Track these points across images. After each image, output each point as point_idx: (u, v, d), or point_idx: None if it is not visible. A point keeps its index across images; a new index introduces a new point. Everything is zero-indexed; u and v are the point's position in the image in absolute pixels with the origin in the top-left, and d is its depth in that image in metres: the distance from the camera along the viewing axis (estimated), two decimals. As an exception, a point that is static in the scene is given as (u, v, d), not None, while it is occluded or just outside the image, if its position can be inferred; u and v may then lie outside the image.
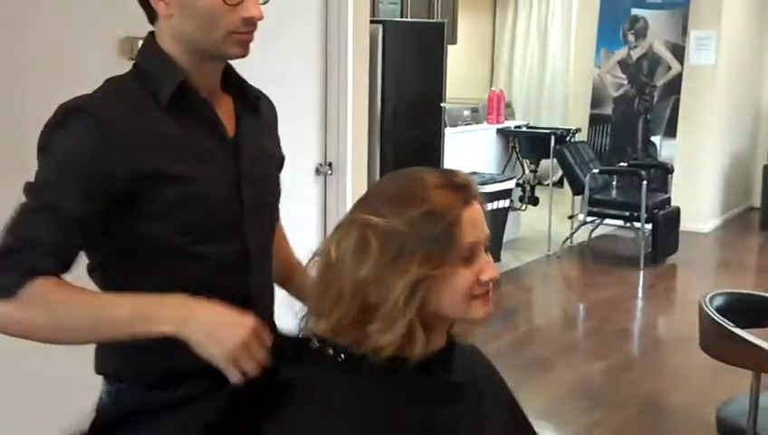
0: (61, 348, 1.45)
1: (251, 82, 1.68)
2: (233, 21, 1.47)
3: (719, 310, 2.84)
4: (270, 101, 1.75)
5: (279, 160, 1.73)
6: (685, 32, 7.91)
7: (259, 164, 1.60)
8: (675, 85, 7.97)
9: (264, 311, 1.63)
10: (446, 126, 6.39)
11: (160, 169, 1.44)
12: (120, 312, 1.37)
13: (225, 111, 1.58)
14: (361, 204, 1.37)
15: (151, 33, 1.56)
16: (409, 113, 5.81)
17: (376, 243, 1.29)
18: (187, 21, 1.48)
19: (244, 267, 1.57)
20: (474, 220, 1.32)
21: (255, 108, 1.64)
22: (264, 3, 1.52)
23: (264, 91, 1.73)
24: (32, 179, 1.45)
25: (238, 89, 1.62)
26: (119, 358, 1.53)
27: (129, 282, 1.47)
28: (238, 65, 1.66)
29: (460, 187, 1.33)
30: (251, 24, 1.50)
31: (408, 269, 1.27)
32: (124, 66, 3.34)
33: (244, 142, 1.58)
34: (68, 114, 1.44)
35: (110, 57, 3.24)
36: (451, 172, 1.36)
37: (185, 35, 1.50)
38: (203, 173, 1.50)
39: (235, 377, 1.32)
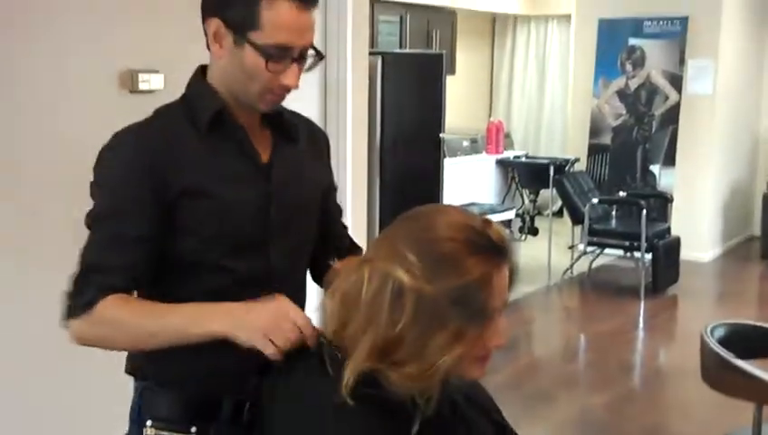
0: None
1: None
2: (271, 83, 1.59)
3: (720, 341, 2.82)
4: (319, 130, 1.88)
5: (320, 184, 1.81)
6: (682, 61, 7.94)
7: (291, 188, 1.70)
8: (673, 114, 7.99)
9: None
10: (445, 156, 6.41)
11: (193, 185, 1.57)
12: (175, 320, 1.53)
13: (263, 141, 1.69)
14: (389, 244, 1.32)
15: (201, 68, 1.69)
16: (409, 144, 5.82)
17: (409, 305, 1.26)
18: (232, 69, 1.60)
19: (268, 284, 1.63)
20: (501, 287, 1.29)
21: (291, 137, 1.74)
22: (308, 70, 1.64)
23: (298, 115, 1.81)
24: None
25: (276, 120, 1.72)
26: (142, 357, 1.67)
27: (160, 292, 1.60)
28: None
29: (495, 249, 1.29)
30: (286, 89, 1.62)
31: (451, 346, 1.26)
32: (125, 98, 3.36)
33: (277, 168, 1.68)
34: (114, 140, 1.60)
35: (111, 89, 3.25)
36: (487, 226, 1.31)
37: (229, 78, 1.62)
38: (231, 191, 1.61)
39: (268, 350, 1.43)
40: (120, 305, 1.54)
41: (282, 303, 1.49)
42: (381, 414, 1.29)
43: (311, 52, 1.62)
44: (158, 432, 1.64)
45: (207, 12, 1.60)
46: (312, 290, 1.84)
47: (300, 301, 1.77)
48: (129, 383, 1.74)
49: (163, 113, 1.66)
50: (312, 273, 1.86)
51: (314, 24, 1.60)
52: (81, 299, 1.53)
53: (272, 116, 1.70)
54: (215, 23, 1.58)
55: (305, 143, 1.78)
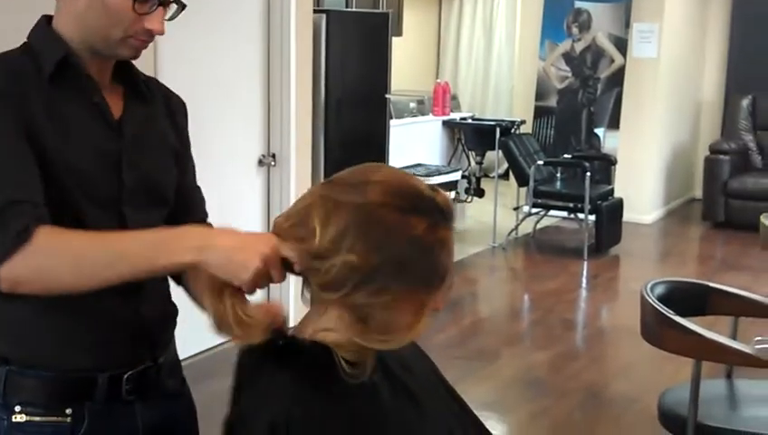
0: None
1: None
2: (135, 27, 1.51)
3: (660, 298, 2.85)
4: (175, 96, 1.75)
5: (173, 149, 1.69)
6: (628, 25, 7.99)
7: (143, 149, 1.60)
8: (618, 78, 8.05)
9: (158, 295, 1.63)
10: (391, 117, 6.37)
11: (42, 137, 1.44)
12: (139, 245, 1.38)
13: (114, 97, 1.59)
14: (332, 227, 1.27)
15: (46, 18, 1.57)
16: (354, 104, 5.77)
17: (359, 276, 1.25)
18: (92, 13, 1.50)
19: None
20: (450, 250, 1.30)
21: (143, 96, 1.64)
22: (171, 19, 1.57)
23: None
24: None
25: (127, 77, 1.62)
26: (3, 343, 1.54)
27: None
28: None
29: (445, 214, 1.29)
30: (150, 35, 1.54)
31: (413, 313, 1.29)
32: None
33: (129, 126, 1.58)
34: None
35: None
36: (435, 194, 1.30)
37: (85, 23, 1.51)
38: (81, 147, 1.50)
39: (245, 276, 1.28)
40: (64, 232, 1.38)
41: (265, 245, 1.31)
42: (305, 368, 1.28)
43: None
44: (29, 418, 1.50)
45: None
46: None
47: (165, 279, 1.66)
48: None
49: (5, 59, 1.52)
50: None
51: None
52: (7, 233, 1.35)
53: (122, 72, 1.60)
54: None
55: (161, 106, 1.68)
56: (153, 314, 1.60)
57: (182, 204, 1.70)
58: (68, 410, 1.52)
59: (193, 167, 1.76)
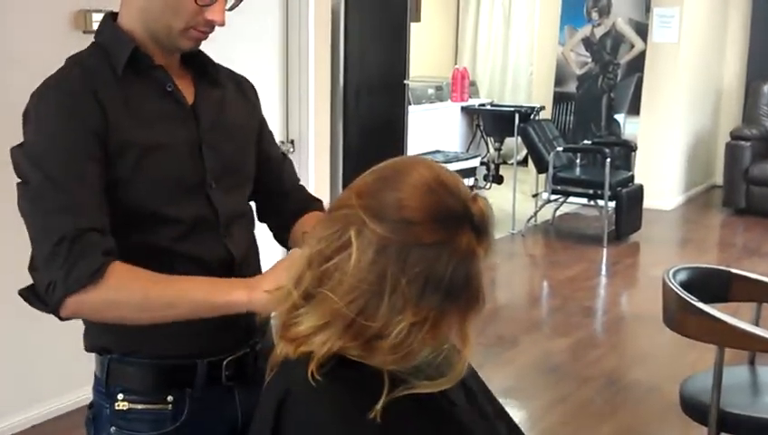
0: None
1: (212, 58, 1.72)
2: (196, 18, 1.53)
3: (682, 285, 2.83)
4: (245, 81, 1.79)
5: (248, 129, 1.73)
6: (648, 9, 7.92)
7: (221, 132, 1.63)
8: (638, 63, 7.98)
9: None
10: (410, 104, 6.34)
11: (123, 132, 1.48)
12: (198, 286, 1.44)
13: (185, 83, 1.63)
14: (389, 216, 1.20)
15: (110, 15, 1.61)
16: (373, 90, 5.75)
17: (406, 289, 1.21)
18: (155, 3, 1.53)
19: (217, 232, 1.60)
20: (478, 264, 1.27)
21: (214, 80, 1.67)
22: (231, 9, 1.59)
23: (222, 66, 1.75)
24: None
25: (195, 62, 1.66)
26: (103, 331, 1.57)
27: None
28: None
29: (482, 230, 1.24)
30: (211, 26, 1.56)
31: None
32: (78, 39, 3.27)
33: (203, 109, 1.61)
34: (37, 97, 1.49)
35: (63, 30, 3.16)
36: (475, 202, 1.23)
37: (148, 16, 1.54)
38: (163, 135, 1.54)
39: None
40: (133, 270, 1.42)
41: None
42: (352, 391, 1.22)
43: None
44: (131, 406, 1.55)
45: None
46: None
47: (251, 244, 1.71)
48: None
49: (79, 61, 1.56)
50: (274, 234, 1.80)
51: None
52: (83, 268, 1.37)
53: (190, 58, 1.64)
54: None
55: (231, 91, 1.71)
56: None
57: (275, 174, 1.78)
58: (169, 398, 1.55)
59: (273, 138, 1.83)
